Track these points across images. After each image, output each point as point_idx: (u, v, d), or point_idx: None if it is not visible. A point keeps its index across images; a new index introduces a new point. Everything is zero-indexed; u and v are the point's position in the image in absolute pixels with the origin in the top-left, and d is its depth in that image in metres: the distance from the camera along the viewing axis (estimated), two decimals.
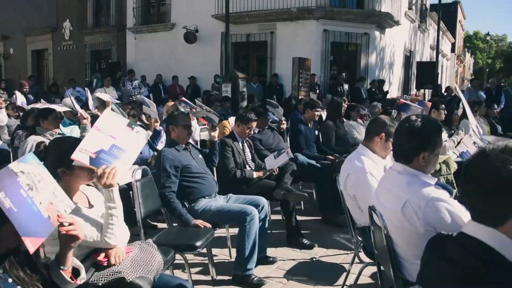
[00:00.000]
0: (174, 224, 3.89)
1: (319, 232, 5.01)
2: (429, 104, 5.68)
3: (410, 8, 18.91)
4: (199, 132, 6.40)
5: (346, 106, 7.54)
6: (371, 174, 3.03)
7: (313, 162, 5.57)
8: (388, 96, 13.79)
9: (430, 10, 23.13)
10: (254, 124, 4.82)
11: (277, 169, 4.82)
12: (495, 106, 9.57)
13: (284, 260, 4.22)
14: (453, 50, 38.91)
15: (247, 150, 4.91)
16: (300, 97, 10.95)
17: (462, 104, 5.89)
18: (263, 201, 4.05)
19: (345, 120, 6.96)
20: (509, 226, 1.33)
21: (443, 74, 32.97)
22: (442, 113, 5.98)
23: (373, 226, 2.53)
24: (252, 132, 4.91)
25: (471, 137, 7.01)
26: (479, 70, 62.60)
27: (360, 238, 3.30)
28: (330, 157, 5.76)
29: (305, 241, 4.53)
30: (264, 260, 4.06)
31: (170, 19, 16.38)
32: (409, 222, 2.12)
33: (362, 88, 12.83)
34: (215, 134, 4.35)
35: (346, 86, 12.71)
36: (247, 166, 4.79)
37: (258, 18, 14.23)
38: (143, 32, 16.99)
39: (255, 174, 4.69)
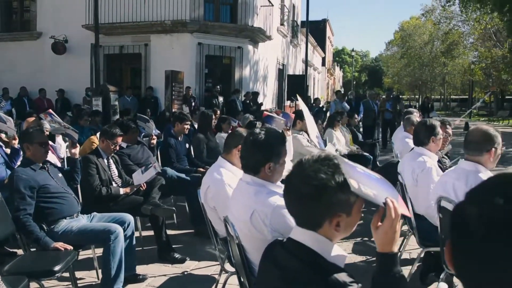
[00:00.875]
0: (33, 249, 3.65)
1: (191, 245, 5.02)
2: (293, 115, 5.97)
3: (282, 24, 19.89)
4: (65, 149, 6.07)
5: (217, 118, 7.68)
6: (229, 186, 3.12)
7: (183, 175, 5.59)
8: (263, 108, 14.33)
9: (301, 26, 24.50)
10: (119, 139, 4.70)
11: (145, 184, 4.76)
12: (356, 115, 10.43)
13: (155, 276, 4.16)
14: (323, 64, 41.64)
15: (113, 166, 4.77)
16: (173, 110, 10.92)
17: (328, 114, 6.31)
18: (129, 217, 3.96)
19: (216, 132, 7.10)
20: (326, 229, 1.49)
21: (315, 86, 35.11)
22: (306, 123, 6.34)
23: (229, 236, 2.61)
24: (117, 148, 4.79)
25: (334, 145, 7.57)
26: (347, 82, 67.80)
27: (223, 248, 3.39)
28: (201, 169, 5.82)
29: (177, 255, 4.51)
30: (133, 278, 3.97)
31: (36, 27, 15.37)
32: (258, 230, 2.22)
33: (237, 100, 13.16)
34: (76, 151, 4.16)
35: (221, 99, 12.97)
36: (113, 183, 4.65)
37: (132, 30, 13.96)
38: (5, 40, 15.70)
39: (122, 191, 4.57)
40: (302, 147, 5.76)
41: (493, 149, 2.92)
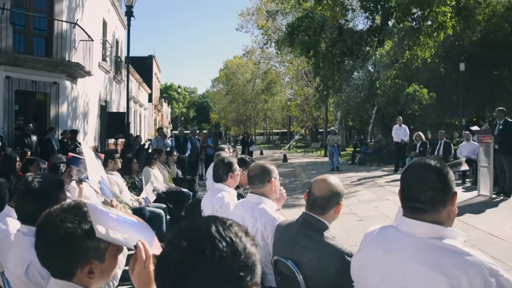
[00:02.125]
0: None
1: None
2: (102, 155, 5.82)
3: (104, 60, 19.39)
4: None
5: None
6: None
7: None
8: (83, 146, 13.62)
9: (125, 62, 24.18)
10: None
11: None
12: (175, 152, 10.61)
13: None
14: (150, 100, 41.56)
15: None
16: None
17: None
18: None
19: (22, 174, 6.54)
20: (79, 277, 1.49)
21: (142, 123, 34.72)
22: (118, 162, 6.22)
23: None
24: None
25: (152, 184, 7.53)
26: (175, 118, 68.56)
27: None
28: None
29: None
30: None
31: None
32: (34, 283, 2.10)
33: (52, 139, 12.30)
34: None
35: (34, 138, 12.01)
36: None
37: None
38: None
39: None
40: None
41: (273, 179, 3.23)
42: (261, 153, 31.10)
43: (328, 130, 24.02)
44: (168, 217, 7.04)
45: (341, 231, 6.32)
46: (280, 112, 50.95)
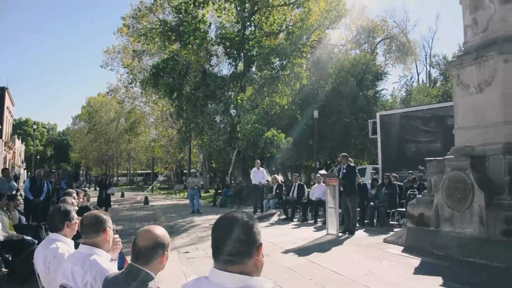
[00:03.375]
0: None
1: None
2: None
3: None
4: None
5: None
6: None
7: None
8: None
9: None
10: None
11: None
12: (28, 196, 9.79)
13: None
14: (0, 136, 38.02)
15: None
16: None
17: None
18: None
19: None
20: None
21: None
22: None
23: None
24: None
25: None
26: (30, 157, 63.25)
27: None
28: None
29: None
30: None
31: None
32: None
33: None
34: None
35: None
36: None
37: None
38: None
39: None
40: None
41: (108, 228, 3.13)
42: (122, 195, 29.98)
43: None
44: (4, 270, 6.36)
45: (200, 275, 6.26)
46: (144, 152, 49.97)
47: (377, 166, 19.31)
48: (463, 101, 8.88)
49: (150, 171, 52.92)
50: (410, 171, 14.49)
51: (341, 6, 24.18)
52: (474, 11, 8.87)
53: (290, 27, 23.06)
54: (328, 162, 29.80)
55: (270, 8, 22.85)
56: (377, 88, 33.94)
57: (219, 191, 21.47)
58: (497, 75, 8.08)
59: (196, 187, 17.17)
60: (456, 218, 8.05)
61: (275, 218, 13.16)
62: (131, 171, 61.49)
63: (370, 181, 14.00)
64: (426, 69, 49.23)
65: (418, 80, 47.09)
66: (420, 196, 9.95)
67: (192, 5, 22.78)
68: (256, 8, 22.28)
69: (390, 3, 77.68)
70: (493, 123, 8.11)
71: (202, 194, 28.60)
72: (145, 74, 28.42)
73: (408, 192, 12.51)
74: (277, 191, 15.38)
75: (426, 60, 48.72)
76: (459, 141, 8.96)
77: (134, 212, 18.84)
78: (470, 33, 9.02)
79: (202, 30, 21.56)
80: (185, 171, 49.74)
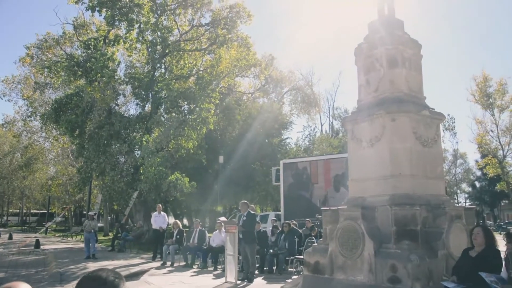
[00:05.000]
0: None
1: None
2: None
3: None
4: None
5: None
6: None
7: None
8: None
9: None
10: None
11: None
12: None
13: None
14: None
15: None
16: None
17: None
18: None
19: None
20: None
21: None
22: None
23: None
24: None
25: None
26: None
27: None
28: None
29: None
30: None
31: None
32: None
33: None
34: None
35: None
36: None
37: None
38: None
39: None
40: None
41: None
42: (10, 238, 27.58)
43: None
44: None
45: None
46: (40, 191, 46.72)
47: (280, 213, 19.70)
48: (356, 155, 9.42)
49: (45, 211, 49.42)
50: (308, 219, 14.88)
51: (251, 56, 24.99)
52: (367, 73, 9.58)
53: (201, 72, 23.40)
54: (234, 207, 29.93)
55: (181, 52, 23.08)
56: (282, 136, 35.11)
57: (118, 235, 20.52)
58: (385, 132, 8.71)
59: (92, 231, 16.27)
60: (349, 265, 8.35)
61: (145, 276, 12.21)
62: (24, 210, 57.01)
63: (271, 228, 14.20)
64: (329, 120, 52.19)
65: (322, 130, 49.60)
66: (316, 244, 10.24)
67: (102, 42, 22.37)
68: (167, 51, 22.37)
69: (297, 56, 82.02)
70: (382, 176, 8.66)
71: (102, 238, 27.24)
72: (47, 108, 26.97)
73: (306, 240, 12.82)
74: (178, 236, 15.04)
75: (329, 112, 51.73)
76: (352, 192, 9.42)
77: (21, 257, 17.34)
78: (363, 92, 9.70)
79: (110, 68, 21.16)
80: (84, 212, 47.23)
